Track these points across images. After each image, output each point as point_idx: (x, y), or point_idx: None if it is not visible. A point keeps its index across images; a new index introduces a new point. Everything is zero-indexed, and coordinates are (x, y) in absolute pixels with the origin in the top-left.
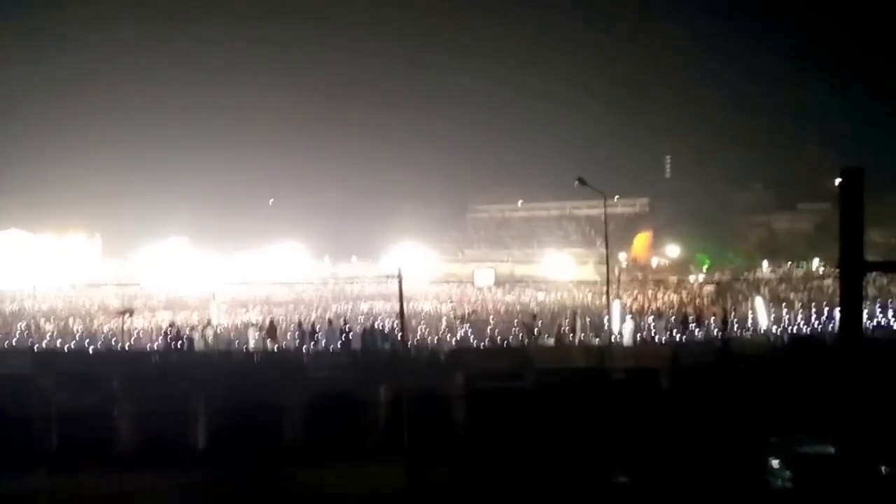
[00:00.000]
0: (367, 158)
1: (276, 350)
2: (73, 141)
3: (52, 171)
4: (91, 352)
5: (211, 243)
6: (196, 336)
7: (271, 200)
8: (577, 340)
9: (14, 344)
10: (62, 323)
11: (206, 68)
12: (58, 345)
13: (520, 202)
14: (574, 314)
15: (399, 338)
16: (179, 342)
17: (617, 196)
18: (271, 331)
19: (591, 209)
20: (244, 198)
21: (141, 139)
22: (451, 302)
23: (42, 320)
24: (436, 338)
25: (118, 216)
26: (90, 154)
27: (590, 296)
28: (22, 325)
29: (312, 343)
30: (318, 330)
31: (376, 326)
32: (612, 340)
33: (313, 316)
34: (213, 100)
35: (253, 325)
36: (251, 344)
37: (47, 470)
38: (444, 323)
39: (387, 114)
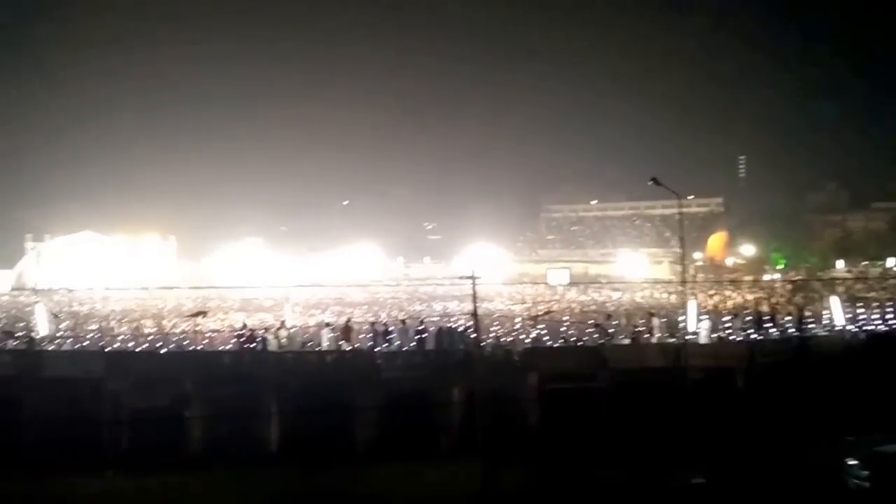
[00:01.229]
0: (441, 159)
1: (349, 351)
2: (148, 143)
3: (126, 174)
4: (163, 354)
5: (285, 245)
6: (269, 337)
7: (345, 202)
8: (652, 340)
9: (86, 346)
10: (134, 325)
11: (282, 70)
12: (130, 347)
13: (593, 202)
14: (649, 313)
15: (473, 338)
16: (253, 344)
17: (691, 196)
18: (345, 332)
19: (664, 209)
20: (318, 199)
21: (217, 140)
22: (525, 302)
23: (114, 322)
24: (509, 338)
25: (193, 218)
26: (166, 156)
27: (665, 295)
28: (94, 326)
29: (386, 344)
30: (391, 331)
31: (450, 327)
32: (688, 339)
33: (387, 317)
34: (288, 101)
35: (327, 326)
36: (325, 345)
37: (117, 472)
38: (517, 323)
39: (460, 114)
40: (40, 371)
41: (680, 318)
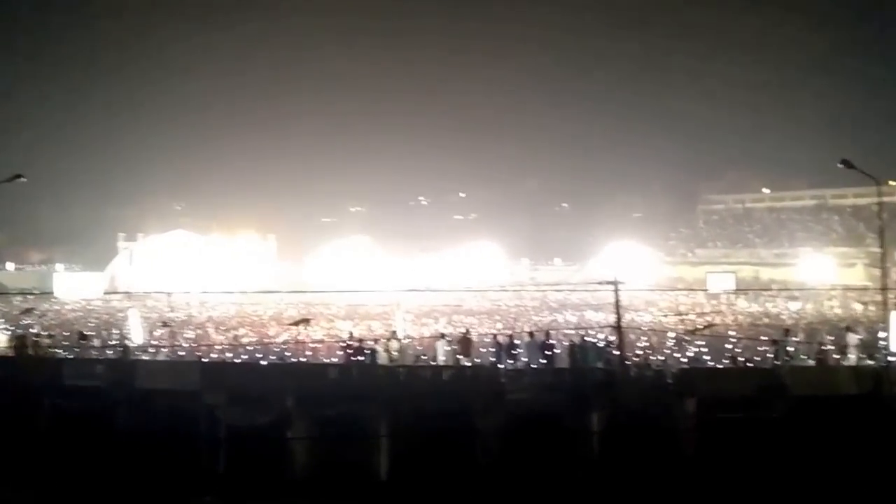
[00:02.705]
0: (575, 143)
1: (469, 367)
2: (245, 137)
3: (222, 169)
4: (263, 366)
5: (394, 244)
6: (379, 349)
7: (462, 194)
8: (844, 361)
9: (181, 355)
10: (232, 333)
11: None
12: (227, 357)
13: (764, 190)
14: (846, 328)
15: (615, 355)
16: (360, 356)
17: (893, 181)
18: (464, 344)
19: (857, 198)
20: (431, 192)
21: (320, 133)
22: (680, 313)
23: (211, 329)
24: (660, 356)
25: (294, 215)
26: (264, 151)
27: (859, 306)
28: (190, 334)
29: (511, 359)
30: (517, 344)
31: (587, 341)
32: (892, 361)
33: (512, 328)
34: (400, 89)
35: (442, 337)
36: (441, 359)
37: (214, 497)
38: (671, 338)
39: (596, 91)
40: (133, 382)
41: (880, 335)
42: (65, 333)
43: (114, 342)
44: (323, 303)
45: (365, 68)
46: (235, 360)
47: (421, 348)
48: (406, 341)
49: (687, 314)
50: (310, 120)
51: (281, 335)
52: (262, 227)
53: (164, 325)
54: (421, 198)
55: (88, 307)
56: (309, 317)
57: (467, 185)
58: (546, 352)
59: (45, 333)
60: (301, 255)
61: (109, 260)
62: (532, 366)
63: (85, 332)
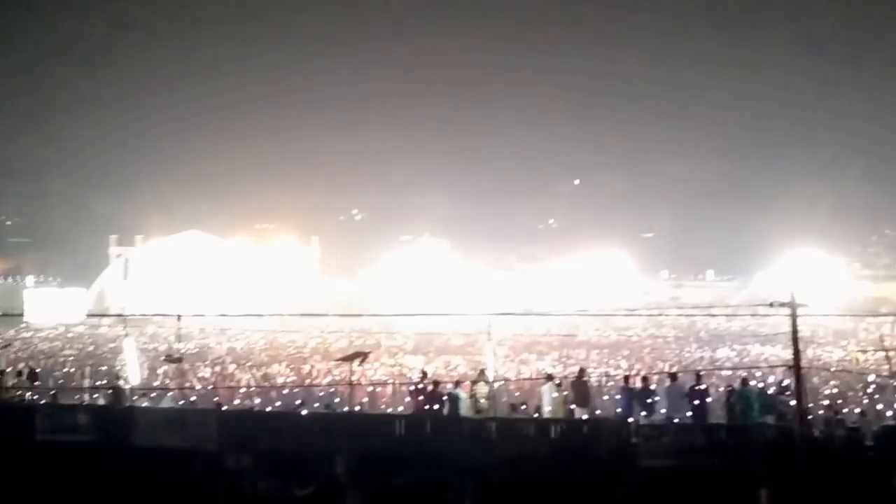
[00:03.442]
0: (737, 117)
1: (586, 421)
2: (278, 116)
3: (246, 153)
4: (304, 417)
5: (481, 250)
6: (462, 395)
7: (576, 180)
8: None
9: (194, 402)
10: (262, 371)
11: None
12: (255, 405)
13: None
14: None
15: (791, 406)
16: (436, 404)
17: None
18: (579, 390)
19: None
20: (532, 179)
21: (382, 106)
22: (885, 347)
23: (233, 366)
24: (857, 408)
25: (343, 214)
26: (304, 132)
27: None
28: (205, 373)
29: (645, 411)
30: (653, 390)
31: (751, 386)
32: None
33: (645, 367)
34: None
35: (549, 379)
36: (547, 409)
37: None
38: (871, 382)
39: (766, 57)
40: (129, 437)
41: None
42: (37, 370)
43: (102, 383)
44: (385, 331)
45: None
46: (266, 409)
47: (519, 394)
48: (499, 384)
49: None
50: (362, 97)
51: (328, 375)
52: (302, 230)
53: (170, 359)
54: (519, 188)
55: (69, 335)
56: (366, 350)
57: (582, 169)
58: (694, 401)
59: (11, 370)
60: (353, 267)
61: (98, 272)
62: (675, 420)
63: (36, 370)
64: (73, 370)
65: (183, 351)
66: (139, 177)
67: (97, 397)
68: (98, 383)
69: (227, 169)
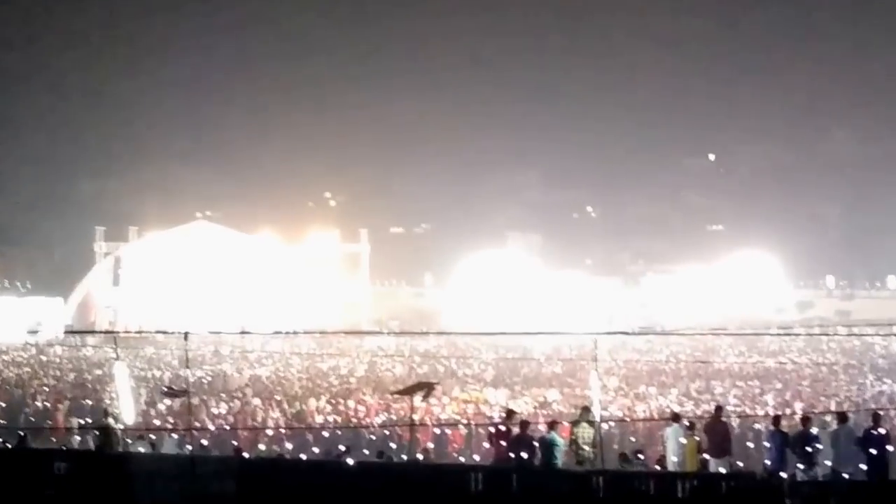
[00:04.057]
0: None
1: (725, 475)
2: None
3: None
4: (350, 467)
5: (582, 250)
6: (558, 440)
7: (711, 155)
8: None
9: (206, 447)
10: (295, 408)
11: None
12: (287, 451)
13: None
14: None
15: None
16: (525, 451)
17: None
18: (715, 433)
19: None
20: (640, 161)
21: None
22: None
23: (256, 399)
24: None
25: (399, 203)
26: (349, 105)
27: None
28: (222, 408)
29: (804, 462)
30: (814, 435)
31: None
32: None
33: (802, 403)
34: None
35: (677, 420)
36: (673, 459)
37: None
38: None
39: None
40: (120, 492)
41: None
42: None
43: (87, 421)
44: (458, 354)
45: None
46: (300, 457)
47: (635, 439)
48: (608, 426)
49: None
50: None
51: (381, 413)
52: (347, 223)
53: (172, 392)
54: (630, 168)
55: (42, 357)
56: (432, 380)
57: (720, 142)
58: (870, 449)
59: None
60: (415, 271)
61: (80, 275)
62: (844, 474)
63: None
64: (47, 404)
65: (191, 380)
66: (131, 151)
67: (80, 440)
68: (81, 422)
69: (247, 143)
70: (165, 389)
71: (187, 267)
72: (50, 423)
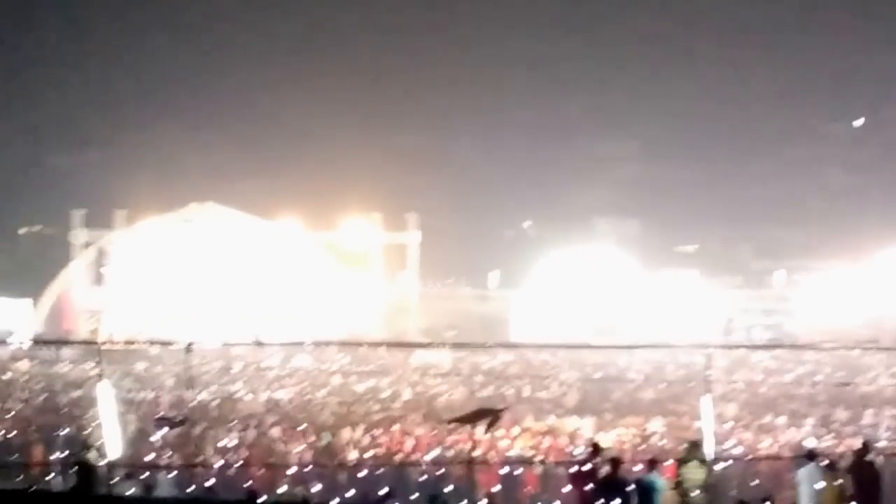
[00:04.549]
0: None
1: None
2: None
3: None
4: None
5: (686, 239)
6: (660, 482)
7: (858, 120)
8: None
9: (211, 488)
10: (325, 438)
11: None
12: (314, 493)
13: None
14: None
15: None
16: (616, 496)
17: None
18: (862, 475)
19: None
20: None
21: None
22: None
23: (276, 430)
24: None
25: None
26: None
27: None
28: (231, 439)
29: None
30: None
31: None
32: None
33: None
34: None
35: (811, 458)
36: None
37: None
38: None
39: None
40: None
41: None
42: None
43: (62, 455)
44: (532, 372)
45: None
46: (331, 502)
47: (759, 482)
48: (724, 466)
49: None
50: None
51: (433, 447)
52: (391, 205)
53: (169, 421)
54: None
55: (4, 376)
56: (498, 406)
57: (870, 103)
58: None
59: None
60: (477, 268)
61: (53, 272)
62: None
63: None
64: (13, 434)
65: (194, 404)
66: (118, 114)
67: (54, 477)
68: (55, 456)
69: (265, 103)
70: (161, 417)
71: (189, 261)
72: (15, 456)
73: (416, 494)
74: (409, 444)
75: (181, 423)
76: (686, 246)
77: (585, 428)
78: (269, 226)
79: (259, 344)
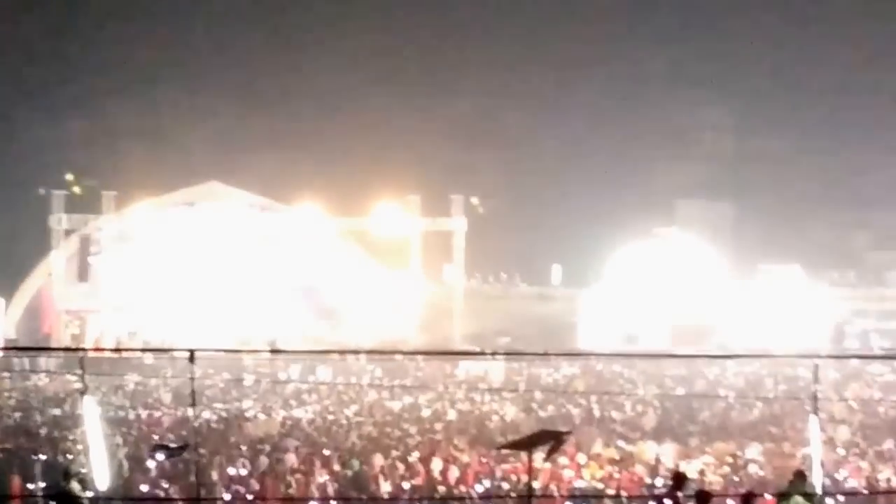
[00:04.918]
0: None
1: None
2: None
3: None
4: None
5: (784, 226)
6: None
7: None
8: None
9: None
10: (352, 466)
11: None
12: None
13: None
14: None
15: None
16: None
17: None
18: None
19: None
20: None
21: None
22: None
23: (293, 458)
24: None
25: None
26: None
27: None
28: (240, 468)
29: None
30: None
31: None
32: None
33: None
34: None
35: None
36: None
37: None
38: None
39: None
40: None
41: None
42: None
43: (40, 485)
44: (602, 388)
45: None
46: None
47: None
48: (835, 502)
49: None
50: None
51: (482, 477)
52: (431, 186)
53: (167, 449)
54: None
55: None
56: (560, 428)
57: None
58: None
59: None
60: (532, 258)
61: (29, 266)
62: None
63: None
64: None
65: (197, 424)
66: (105, 76)
67: None
68: (33, 486)
69: (281, 62)
70: (158, 445)
71: (191, 253)
72: None
73: None
74: (453, 474)
75: (181, 449)
76: (787, 234)
77: (666, 455)
78: (286, 210)
79: (274, 352)
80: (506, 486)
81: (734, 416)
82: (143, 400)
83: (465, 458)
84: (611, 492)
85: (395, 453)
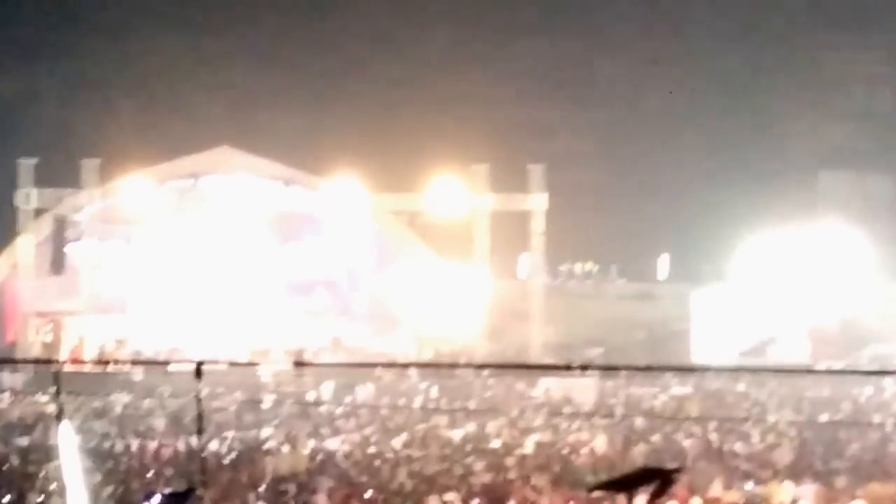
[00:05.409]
0: None
1: None
2: None
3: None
4: None
5: None
6: None
7: None
8: None
9: None
10: None
11: None
12: None
13: None
14: None
15: None
16: None
17: None
18: None
19: None
20: None
21: None
22: None
23: (321, 496)
24: None
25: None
26: None
27: None
28: None
29: None
30: None
31: None
32: None
33: None
34: None
35: None
36: None
37: None
38: None
39: None
40: None
41: None
42: None
43: None
44: (722, 412)
45: None
46: None
47: None
48: None
49: None
50: None
51: None
52: (503, 155)
53: (167, 497)
54: None
55: None
56: (671, 464)
57: None
58: None
59: None
60: (631, 247)
61: None
62: None
63: None
64: None
65: (205, 454)
66: (88, 18)
67: None
68: None
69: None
70: (151, 481)
71: (195, 237)
72: None
73: None
74: None
75: (184, 496)
76: None
77: (806, 499)
78: (317, 185)
79: (300, 365)
80: None
81: (894, 450)
82: (133, 427)
83: (544, 502)
84: None
85: (454, 495)
